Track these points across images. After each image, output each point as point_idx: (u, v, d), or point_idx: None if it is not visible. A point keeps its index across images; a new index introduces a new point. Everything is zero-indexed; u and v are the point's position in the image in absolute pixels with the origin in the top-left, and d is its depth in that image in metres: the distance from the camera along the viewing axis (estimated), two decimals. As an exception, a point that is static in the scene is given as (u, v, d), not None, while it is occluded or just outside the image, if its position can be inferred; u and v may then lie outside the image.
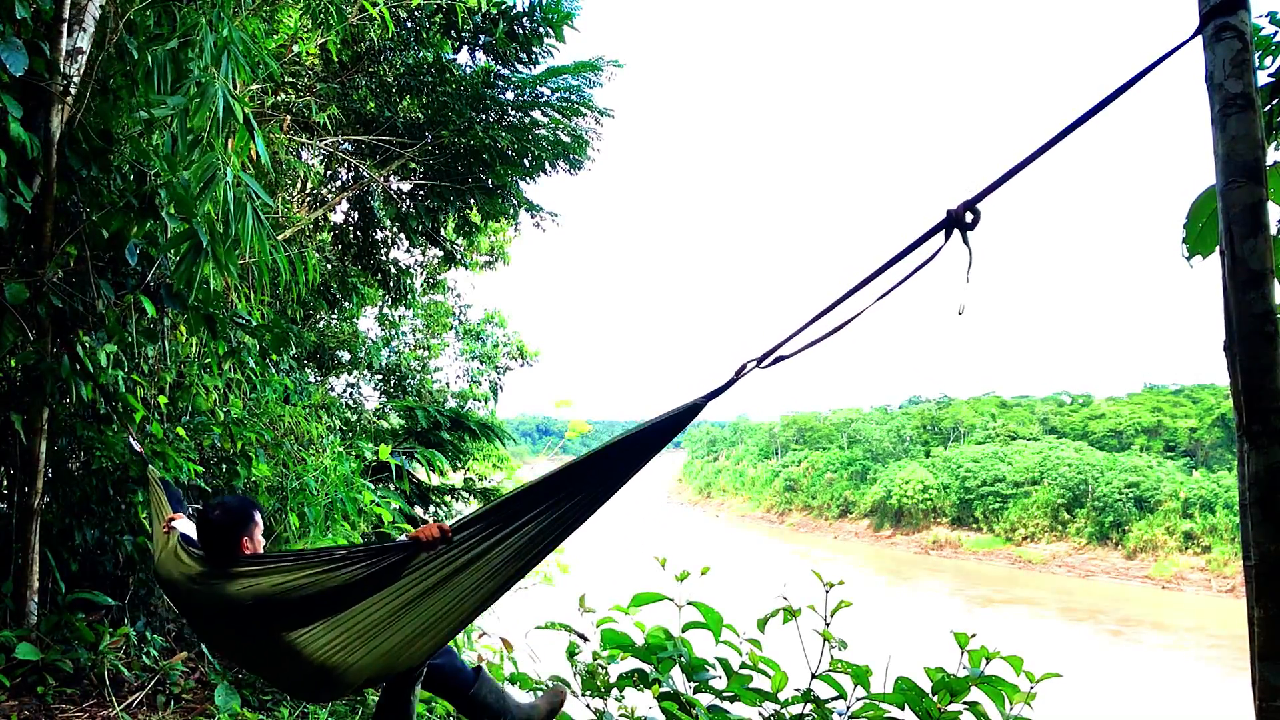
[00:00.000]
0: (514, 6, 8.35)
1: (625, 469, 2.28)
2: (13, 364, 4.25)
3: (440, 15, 8.08)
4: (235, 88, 3.98)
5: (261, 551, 2.63)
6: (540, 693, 3.17)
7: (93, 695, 3.86)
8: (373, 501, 6.08)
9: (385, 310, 13.02)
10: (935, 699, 2.44)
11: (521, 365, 15.26)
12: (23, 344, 3.97)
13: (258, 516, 2.65)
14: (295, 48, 6.94)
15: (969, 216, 1.59)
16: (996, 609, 41.14)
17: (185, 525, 2.96)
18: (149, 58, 3.75)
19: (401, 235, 10.20)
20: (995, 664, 2.50)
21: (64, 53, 3.92)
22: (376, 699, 2.87)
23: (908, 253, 1.67)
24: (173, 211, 4.02)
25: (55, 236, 3.97)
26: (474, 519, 2.33)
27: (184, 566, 2.55)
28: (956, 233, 1.61)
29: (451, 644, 2.85)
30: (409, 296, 11.49)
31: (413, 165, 9.14)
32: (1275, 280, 1.42)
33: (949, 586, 46.30)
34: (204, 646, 4.57)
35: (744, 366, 2.01)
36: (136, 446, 4.09)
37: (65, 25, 3.91)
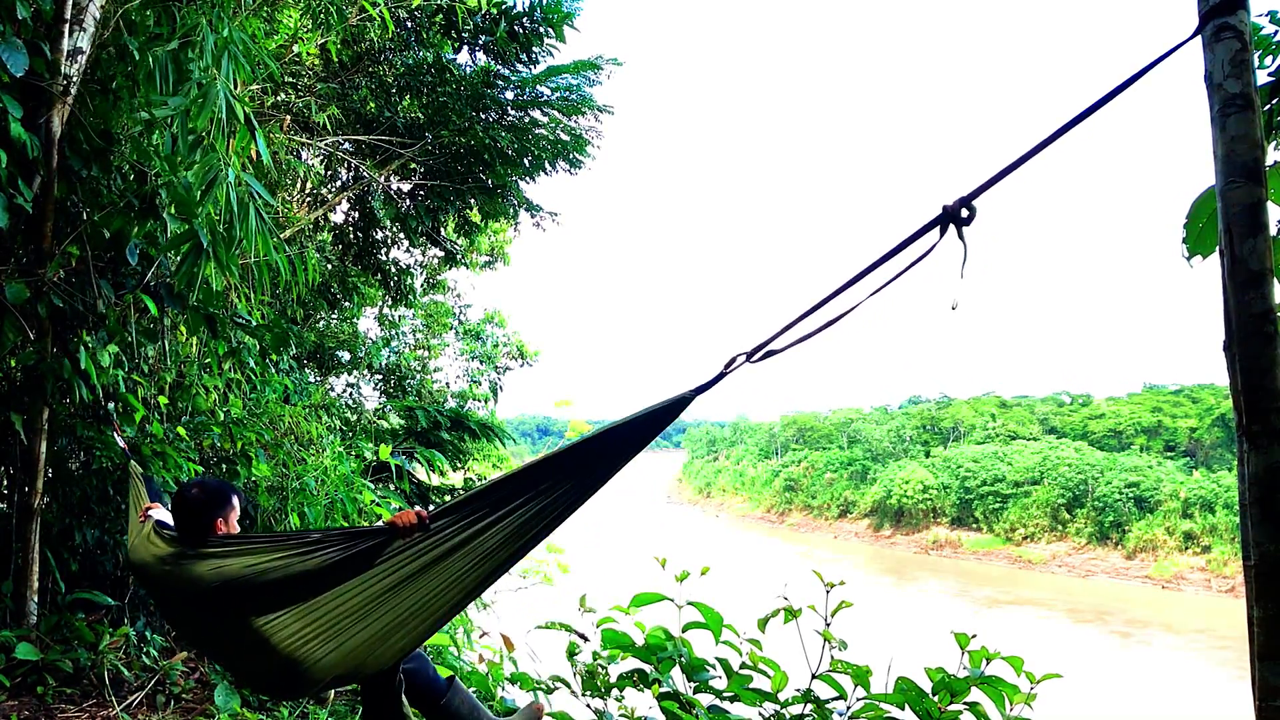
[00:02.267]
0: (514, 6, 8.35)
1: (612, 460, 2.21)
2: (13, 364, 4.25)
3: (440, 15, 8.08)
4: (235, 88, 3.98)
5: (236, 534, 2.55)
6: (519, 706, 3.10)
7: (93, 695, 3.86)
8: (373, 501, 6.08)
9: (385, 310, 13.03)
10: (935, 699, 2.44)
11: (521, 365, 15.27)
12: (23, 344, 3.98)
13: (236, 500, 2.57)
14: (295, 48, 6.94)
15: (965, 212, 1.59)
16: (1003, 610, 41.02)
17: (162, 514, 2.90)
18: (150, 58, 3.75)
19: (401, 235, 10.21)
20: (996, 664, 2.50)
21: (64, 53, 3.92)
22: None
23: (901, 248, 1.66)
24: (173, 212, 4.02)
25: (56, 236, 3.97)
26: (453, 507, 2.24)
27: (155, 548, 2.47)
28: (952, 228, 1.60)
29: (424, 650, 2.77)
30: (409, 296, 11.49)
31: (413, 165, 9.14)
32: (1275, 280, 1.42)
33: (953, 587, 46.23)
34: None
35: (733, 360, 1.96)
36: (120, 442, 4.08)
37: (66, 25, 3.91)
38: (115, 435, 4.13)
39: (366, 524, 5.61)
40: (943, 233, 1.62)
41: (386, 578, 2.23)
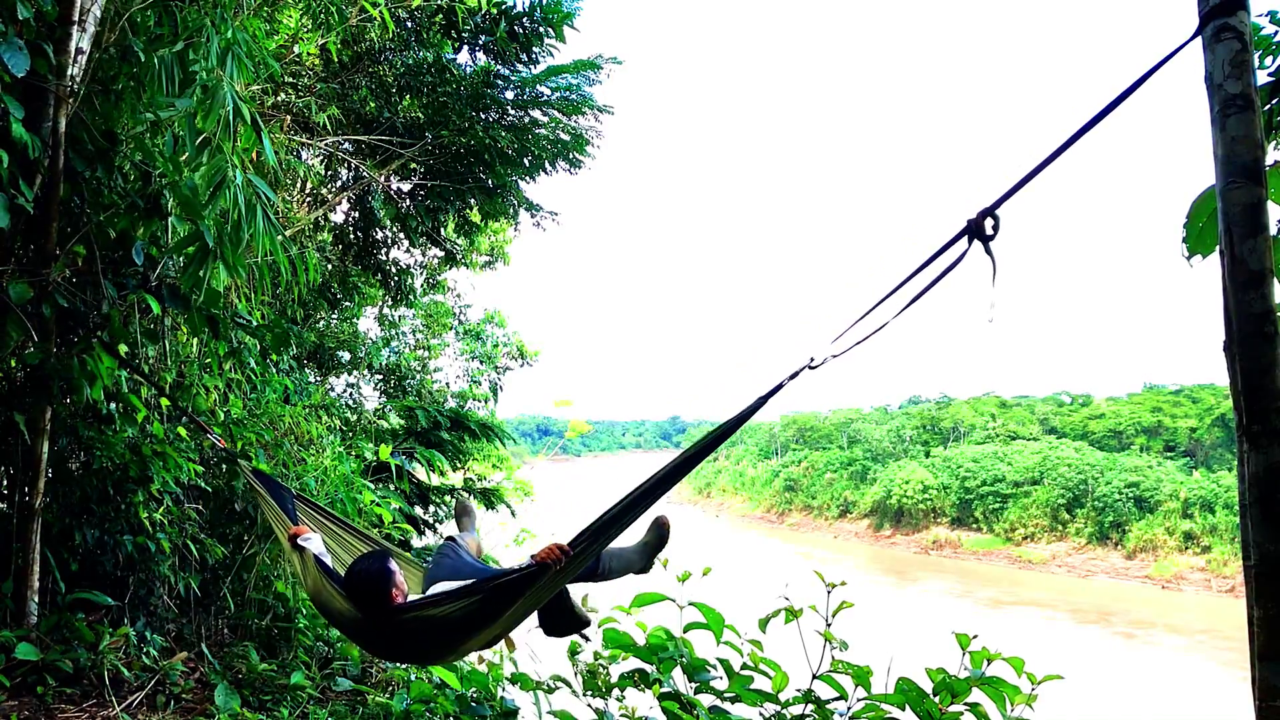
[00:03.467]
0: (514, 6, 8.34)
1: (693, 464, 2.67)
2: (13, 364, 4.25)
3: (440, 15, 8.08)
4: (239, 88, 3.98)
5: (406, 592, 2.91)
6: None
7: (93, 695, 3.86)
8: (373, 502, 6.08)
9: (385, 310, 13.02)
10: (936, 700, 2.44)
11: (521, 365, 15.24)
12: (26, 344, 3.98)
13: (393, 565, 2.89)
14: (296, 48, 6.94)
15: (989, 224, 1.61)
16: (1007, 611, 40.92)
17: (314, 543, 3.16)
18: (154, 59, 3.75)
19: (402, 235, 10.20)
20: (996, 665, 2.50)
21: (67, 53, 3.92)
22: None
23: (930, 262, 1.70)
24: (179, 213, 4.02)
25: (60, 237, 3.97)
26: (590, 531, 2.64)
27: (345, 608, 2.88)
28: (978, 243, 1.64)
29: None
30: (409, 296, 11.49)
31: (413, 165, 9.14)
32: (1275, 280, 1.42)
33: (956, 588, 46.15)
34: (205, 647, 4.58)
35: (798, 371, 2.21)
36: (217, 441, 4.18)
37: (74, 27, 3.90)
38: (211, 437, 4.16)
39: (390, 538, 5.87)
40: (970, 244, 1.65)
41: (541, 590, 2.70)
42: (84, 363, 3.96)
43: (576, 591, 3.20)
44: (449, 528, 9.52)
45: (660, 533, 3.27)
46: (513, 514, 10.36)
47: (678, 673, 2.93)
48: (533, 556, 2.65)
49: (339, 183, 9.75)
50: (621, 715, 3.19)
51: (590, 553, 2.69)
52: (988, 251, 1.61)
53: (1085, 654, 32.92)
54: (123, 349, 4.24)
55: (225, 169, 3.70)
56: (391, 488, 7.63)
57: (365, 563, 2.89)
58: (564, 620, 3.13)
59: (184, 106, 3.64)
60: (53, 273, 3.85)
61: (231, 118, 3.68)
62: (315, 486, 5.52)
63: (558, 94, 8.84)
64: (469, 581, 2.80)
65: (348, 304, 10.65)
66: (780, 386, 2.27)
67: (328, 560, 3.11)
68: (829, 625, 2.69)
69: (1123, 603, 42.93)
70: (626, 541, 3.06)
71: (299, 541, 3.11)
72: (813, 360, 2.13)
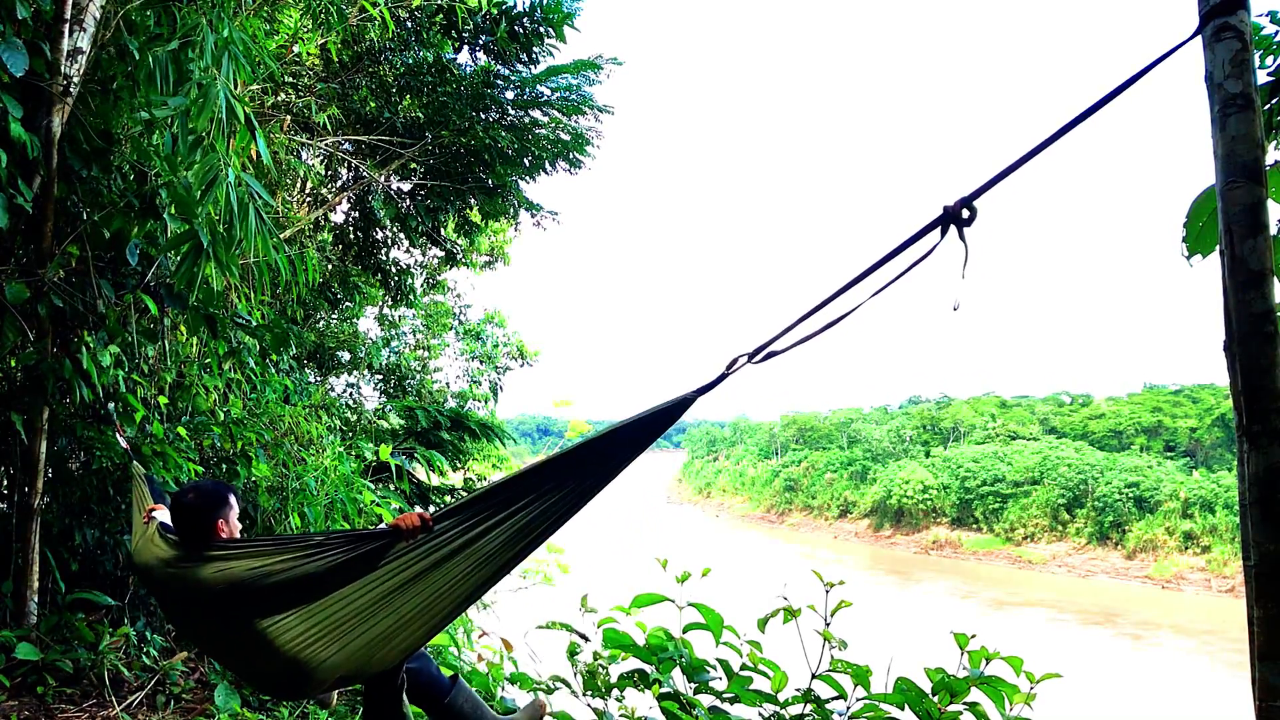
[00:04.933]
0: (514, 6, 8.34)
1: (615, 462, 2.22)
2: (13, 364, 4.25)
3: (440, 15, 8.08)
4: (236, 88, 3.98)
5: (237, 536, 2.56)
6: (519, 705, 3.11)
7: (93, 695, 3.86)
8: (373, 501, 6.07)
9: (385, 310, 13.02)
10: (935, 699, 2.44)
11: (521, 365, 15.25)
12: (23, 344, 3.97)
13: (233, 500, 2.58)
14: (295, 48, 6.94)
15: (965, 213, 1.59)
16: (1012, 612, 40.82)
17: (165, 516, 2.89)
18: (150, 58, 3.75)
19: (402, 235, 10.20)
20: (995, 665, 2.50)
21: (64, 53, 3.92)
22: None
23: (902, 249, 1.66)
24: (174, 212, 4.01)
25: (56, 236, 3.97)
26: (457, 508, 2.25)
27: (159, 551, 2.49)
28: (953, 229, 1.61)
29: (427, 650, 2.79)
30: (409, 296, 11.49)
31: (413, 165, 9.14)
32: (1275, 280, 1.42)
33: (959, 588, 46.09)
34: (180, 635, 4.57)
35: (735, 361, 1.97)
36: (123, 442, 4.09)
37: (66, 25, 3.90)
38: (117, 435, 4.13)
39: (370, 526, 5.62)
40: (944, 233, 1.62)
41: (390, 579, 2.24)
42: (77, 362, 3.95)
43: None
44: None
45: (534, 714, 2.93)
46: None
47: (677, 673, 2.93)
48: (388, 524, 2.27)
49: (339, 183, 9.75)
50: (621, 715, 3.18)
51: (455, 537, 2.23)
52: (961, 238, 1.59)
53: (1093, 656, 32.87)
54: (114, 349, 4.23)
55: (218, 168, 3.70)
56: (391, 488, 7.63)
57: (202, 482, 2.70)
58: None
59: (177, 105, 3.64)
60: (48, 272, 3.85)
61: (225, 116, 3.67)
62: (315, 486, 5.51)
63: (558, 94, 8.84)
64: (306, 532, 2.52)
65: (348, 304, 10.66)
66: (715, 383, 2.01)
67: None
68: (828, 625, 2.69)
69: (1126, 603, 42.88)
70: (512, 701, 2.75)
71: (153, 514, 2.95)
72: (752, 356, 1.93)
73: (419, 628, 2.32)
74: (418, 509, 2.32)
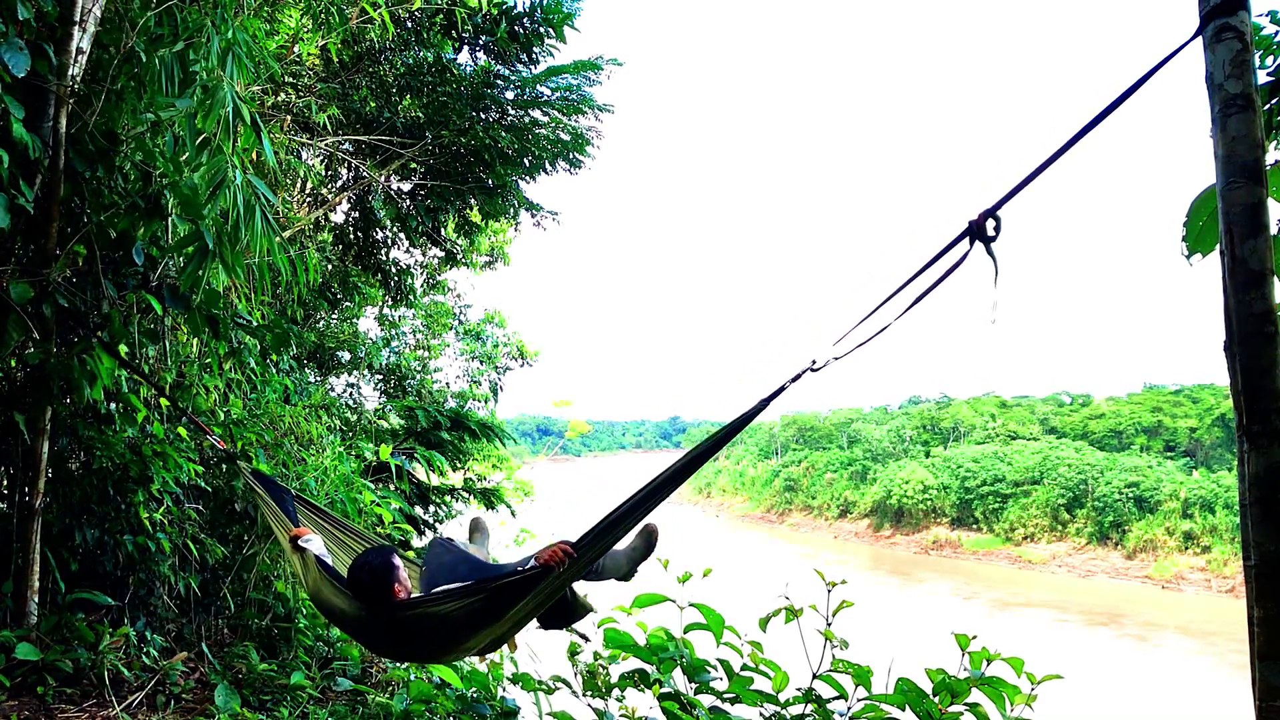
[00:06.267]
0: (514, 7, 8.35)
1: (703, 461, 2.63)
2: (13, 364, 4.25)
3: (441, 16, 8.08)
4: (238, 89, 3.98)
5: (410, 589, 2.90)
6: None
7: (93, 695, 3.86)
8: (373, 502, 6.08)
9: (385, 310, 13.02)
10: (936, 700, 2.44)
11: (521, 365, 15.24)
12: (27, 344, 3.98)
13: (397, 560, 2.89)
14: (296, 48, 6.94)
15: (990, 225, 1.61)
16: (1017, 612, 40.75)
17: (315, 545, 3.16)
18: (154, 59, 3.75)
19: (402, 235, 10.20)
20: (996, 665, 2.51)
21: (70, 54, 3.92)
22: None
23: (932, 263, 1.71)
24: (179, 213, 4.02)
25: (61, 237, 3.97)
26: (594, 533, 2.65)
27: (347, 605, 2.88)
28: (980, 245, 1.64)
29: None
30: (409, 296, 11.49)
31: (413, 165, 9.14)
32: (1275, 280, 1.42)
33: (962, 589, 46.02)
34: (205, 647, 4.58)
35: (801, 374, 2.24)
36: (220, 445, 4.20)
37: (75, 28, 3.90)
38: (212, 439, 4.17)
39: (391, 538, 5.85)
40: (971, 245, 1.65)
41: (544, 591, 2.69)
42: (83, 363, 3.96)
43: (577, 587, 3.19)
44: (449, 529, 9.52)
45: (649, 540, 3.31)
46: (513, 514, 10.36)
47: (678, 673, 2.93)
48: (535, 557, 2.64)
49: (339, 183, 9.75)
50: (621, 715, 3.18)
51: (593, 555, 2.68)
52: (989, 253, 1.61)
53: (1099, 657, 32.83)
54: (123, 349, 4.24)
55: (225, 169, 3.70)
56: (391, 488, 7.63)
57: (369, 556, 2.90)
58: (565, 612, 3.09)
59: (184, 107, 3.64)
60: (53, 272, 3.85)
61: (231, 118, 3.68)
62: (315, 486, 5.52)
63: (558, 94, 8.84)
64: (471, 582, 2.80)
65: (348, 304, 10.66)
66: (783, 389, 2.28)
67: (329, 560, 3.11)
68: (829, 625, 2.69)
69: (1127, 604, 42.81)
70: (618, 545, 3.07)
71: (300, 543, 3.12)
72: (815, 363, 2.15)
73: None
74: (561, 542, 2.62)
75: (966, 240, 1.66)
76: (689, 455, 2.62)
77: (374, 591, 2.80)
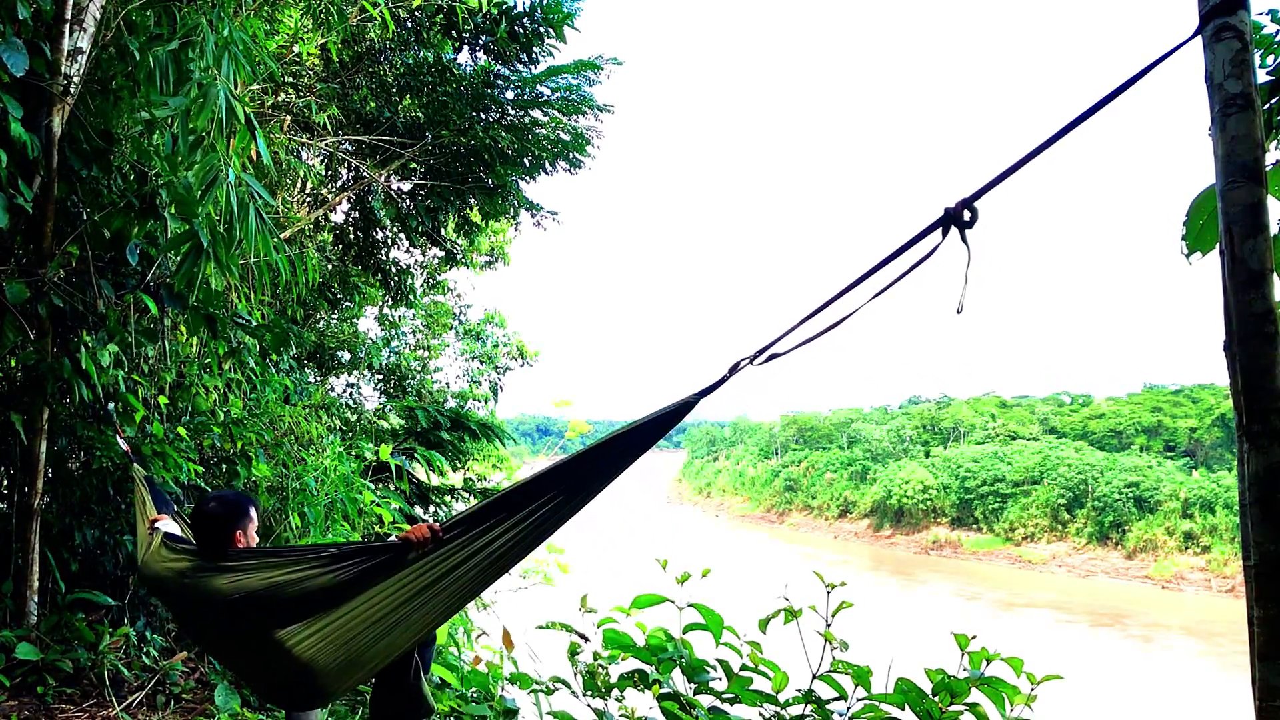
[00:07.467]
0: (514, 6, 8.35)
1: (618, 464, 2.26)
2: (13, 364, 4.25)
3: (441, 15, 8.08)
4: (236, 88, 3.98)
5: (254, 546, 2.62)
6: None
7: (93, 695, 3.86)
8: (373, 502, 6.07)
9: (385, 310, 13.01)
10: (936, 700, 2.44)
11: (521, 365, 15.25)
12: (23, 344, 3.97)
13: (253, 511, 2.64)
14: (296, 48, 6.94)
15: (967, 214, 1.59)
16: (1020, 613, 40.67)
17: (169, 525, 2.96)
18: (150, 58, 3.75)
19: (402, 235, 10.20)
20: (995, 665, 2.50)
21: (65, 53, 3.92)
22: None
23: (903, 250, 1.66)
24: (174, 212, 4.01)
25: (56, 236, 3.97)
26: (465, 518, 2.30)
27: (172, 563, 2.54)
28: (955, 231, 1.60)
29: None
30: (409, 296, 11.49)
31: (413, 165, 9.14)
32: (1275, 280, 1.42)
33: (964, 589, 45.96)
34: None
35: (737, 364, 1.99)
36: (123, 445, 4.10)
37: (67, 25, 3.90)
38: (117, 437, 4.13)
39: (379, 537, 5.67)
40: (945, 235, 1.62)
41: (400, 589, 2.28)
42: (76, 362, 3.96)
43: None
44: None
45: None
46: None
47: (677, 673, 2.93)
48: (398, 536, 2.31)
49: (339, 183, 9.75)
50: (621, 716, 3.18)
51: (463, 545, 2.26)
52: (964, 239, 1.59)
53: (1103, 658, 32.78)
54: (113, 348, 4.23)
55: (218, 168, 3.70)
56: (391, 488, 7.63)
57: (227, 493, 2.71)
58: (404, 703, 2.67)
59: (178, 105, 3.64)
60: (48, 272, 3.85)
61: (225, 117, 3.67)
62: (315, 486, 5.51)
63: (558, 94, 8.84)
64: (315, 544, 2.60)
65: (348, 304, 10.66)
66: (717, 385, 2.02)
67: (177, 534, 2.92)
68: (829, 626, 2.68)
69: (1128, 604, 42.77)
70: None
71: (156, 525, 3.01)
72: (753, 359, 1.94)
73: (420, 628, 2.36)
74: (428, 521, 2.37)
75: (945, 230, 1.62)
76: (583, 454, 2.25)
77: (215, 524, 2.48)
